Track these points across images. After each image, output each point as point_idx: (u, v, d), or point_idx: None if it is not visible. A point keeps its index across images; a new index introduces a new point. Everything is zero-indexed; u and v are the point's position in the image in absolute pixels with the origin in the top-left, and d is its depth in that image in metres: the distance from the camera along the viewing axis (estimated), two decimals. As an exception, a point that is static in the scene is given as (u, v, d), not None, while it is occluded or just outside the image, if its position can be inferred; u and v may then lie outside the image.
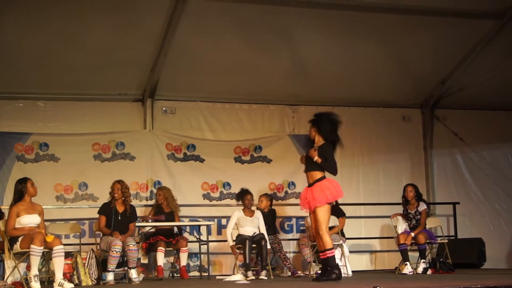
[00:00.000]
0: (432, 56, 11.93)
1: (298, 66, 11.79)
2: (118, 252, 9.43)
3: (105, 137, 11.92)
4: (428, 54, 11.87)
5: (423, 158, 13.46)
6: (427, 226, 11.08)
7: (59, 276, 8.46)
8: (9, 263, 8.76)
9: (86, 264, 9.37)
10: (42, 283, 8.72)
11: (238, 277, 9.85)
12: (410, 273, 10.38)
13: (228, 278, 10.03)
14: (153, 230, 10.82)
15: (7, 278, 8.67)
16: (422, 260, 10.66)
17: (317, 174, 8.40)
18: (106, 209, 9.97)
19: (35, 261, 8.41)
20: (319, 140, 8.52)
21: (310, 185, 8.43)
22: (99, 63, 11.04)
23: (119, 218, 9.89)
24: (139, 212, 11.44)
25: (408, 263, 10.53)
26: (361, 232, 12.80)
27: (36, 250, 8.38)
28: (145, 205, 11.76)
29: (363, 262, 12.70)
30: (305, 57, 11.65)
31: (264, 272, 10.18)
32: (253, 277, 9.87)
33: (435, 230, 11.78)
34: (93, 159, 11.82)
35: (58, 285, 8.37)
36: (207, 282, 9.48)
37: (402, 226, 11.00)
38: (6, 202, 10.77)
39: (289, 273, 11.02)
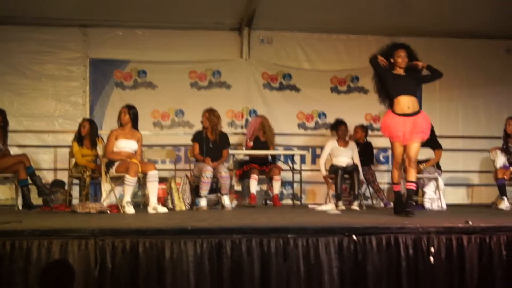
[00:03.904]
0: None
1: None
2: (209, 178, 9.60)
3: (201, 65, 12.04)
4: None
5: (526, 91, 13.00)
6: (528, 161, 10.80)
7: (153, 201, 8.74)
8: (105, 187, 9.08)
9: (180, 190, 9.58)
10: (137, 206, 9.01)
11: (330, 206, 9.85)
12: (507, 208, 10.16)
13: (319, 208, 9.99)
14: (247, 158, 10.93)
15: (104, 200, 8.98)
16: (520, 196, 10.45)
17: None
18: (199, 137, 10.16)
19: (129, 190, 8.69)
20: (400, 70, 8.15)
21: (411, 114, 7.95)
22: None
23: (211, 145, 10.05)
24: (235, 139, 11.57)
25: (505, 198, 10.31)
26: (458, 165, 12.56)
27: (130, 180, 8.64)
28: (241, 133, 11.89)
29: (459, 196, 12.50)
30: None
31: (356, 203, 10.18)
32: (344, 208, 9.89)
33: (536, 165, 11.43)
34: (189, 87, 11.99)
35: (152, 209, 8.63)
36: (299, 211, 9.52)
37: (501, 160, 10.73)
38: (105, 127, 11.13)
39: (382, 205, 10.98)
